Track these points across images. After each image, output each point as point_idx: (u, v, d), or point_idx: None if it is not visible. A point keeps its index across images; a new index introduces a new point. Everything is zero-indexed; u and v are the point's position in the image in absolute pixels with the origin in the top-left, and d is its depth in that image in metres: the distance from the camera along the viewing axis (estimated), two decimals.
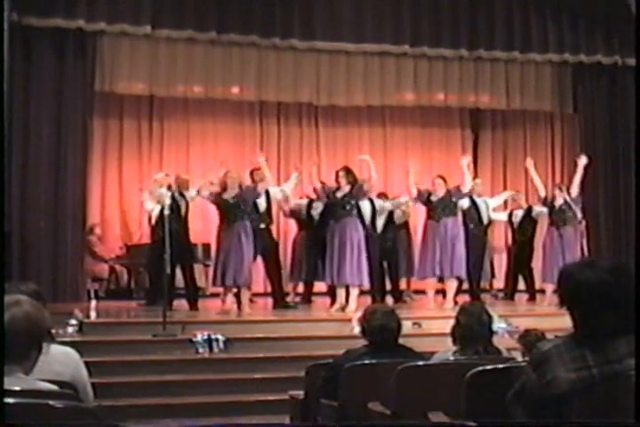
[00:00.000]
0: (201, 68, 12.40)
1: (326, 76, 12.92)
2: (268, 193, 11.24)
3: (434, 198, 11.31)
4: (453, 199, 11.35)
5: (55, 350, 3.86)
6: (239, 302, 10.57)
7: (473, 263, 11.80)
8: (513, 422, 2.87)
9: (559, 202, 11.85)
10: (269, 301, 11.56)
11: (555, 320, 8.10)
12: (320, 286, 11.87)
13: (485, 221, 12.19)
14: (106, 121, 13.98)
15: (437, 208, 11.26)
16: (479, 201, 12.15)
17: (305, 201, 12.07)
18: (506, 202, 13.48)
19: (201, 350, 8.53)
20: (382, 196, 12.45)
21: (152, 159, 14.37)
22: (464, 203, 11.69)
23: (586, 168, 12.12)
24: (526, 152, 15.12)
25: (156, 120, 14.42)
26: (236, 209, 10.52)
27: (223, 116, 14.50)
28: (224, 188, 10.67)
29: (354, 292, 10.66)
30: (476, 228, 11.99)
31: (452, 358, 5.07)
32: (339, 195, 10.81)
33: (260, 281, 12.33)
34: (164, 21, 11.82)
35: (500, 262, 13.82)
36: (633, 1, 12.77)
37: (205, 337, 8.57)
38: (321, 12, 12.38)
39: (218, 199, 10.67)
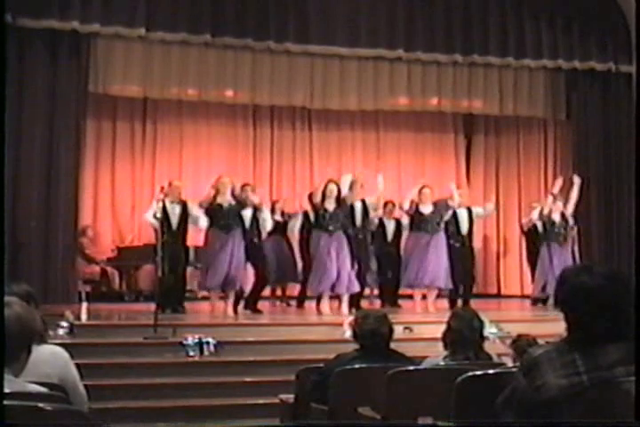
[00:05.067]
0: (195, 71, 12.40)
1: (320, 80, 12.94)
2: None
3: (425, 211, 11.33)
4: (443, 214, 11.43)
5: (43, 350, 3.84)
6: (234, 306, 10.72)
7: (461, 274, 11.79)
8: (500, 422, 2.87)
9: (557, 218, 11.93)
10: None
11: (546, 326, 8.11)
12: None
13: (464, 231, 11.91)
14: (99, 123, 13.97)
15: (429, 222, 11.29)
16: (460, 212, 11.94)
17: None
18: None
19: (192, 353, 8.51)
20: (389, 204, 12.44)
21: (145, 161, 14.35)
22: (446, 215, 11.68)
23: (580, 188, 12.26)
24: (519, 158, 15.18)
25: (150, 122, 14.41)
26: (230, 215, 10.56)
27: (216, 118, 14.49)
28: (216, 193, 10.69)
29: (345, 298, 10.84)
30: (454, 238, 11.87)
31: (442, 363, 5.07)
32: (329, 208, 10.86)
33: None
34: (159, 24, 11.82)
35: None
36: (627, 7, 12.81)
37: (196, 340, 8.55)
38: (315, 16, 12.40)
39: (212, 206, 10.66)
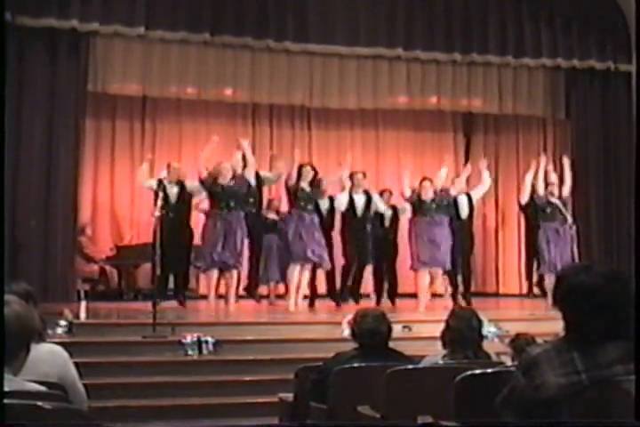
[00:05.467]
0: (194, 70, 12.40)
1: (319, 79, 12.94)
2: (258, 176, 11.38)
3: (425, 198, 11.41)
4: (444, 201, 11.54)
5: (41, 348, 3.84)
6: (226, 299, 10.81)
7: (461, 261, 11.96)
8: (499, 422, 2.87)
9: (554, 199, 11.98)
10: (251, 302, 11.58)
11: (545, 325, 8.12)
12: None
13: (464, 216, 12.13)
14: (98, 121, 13.97)
15: (431, 206, 11.38)
16: (460, 197, 12.16)
17: None
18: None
19: (190, 352, 8.50)
20: (386, 192, 12.53)
21: (144, 160, 14.32)
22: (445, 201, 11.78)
23: (574, 169, 12.31)
24: (518, 157, 15.18)
25: (149, 121, 14.41)
26: (232, 197, 10.64)
27: (216, 117, 14.48)
28: (216, 176, 10.76)
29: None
30: (454, 223, 11.95)
31: (441, 361, 5.07)
32: (305, 188, 10.98)
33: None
34: (158, 22, 11.83)
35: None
36: (626, 7, 12.81)
37: (195, 339, 8.55)
38: (315, 15, 12.41)
39: (212, 186, 10.76)
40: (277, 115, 14.83)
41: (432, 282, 11.57)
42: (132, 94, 13.00)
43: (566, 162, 12.44)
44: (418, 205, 11.49)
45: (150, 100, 13.84)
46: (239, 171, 11.07)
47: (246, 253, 11.39)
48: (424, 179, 11.69)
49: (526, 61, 13.21)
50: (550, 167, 12.33)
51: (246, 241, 11.14)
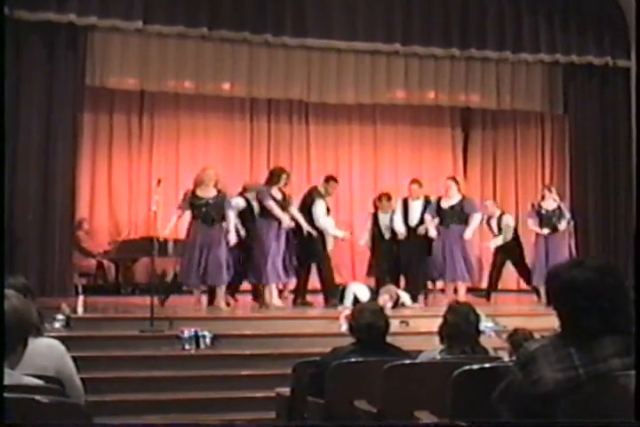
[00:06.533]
0: (192, 64, 12.38)
1: (317, 74, 12.92)
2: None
3: (444, 206, 11.39)
4: (465, 209, 11.45)
5: (39, 342, 3.84)
6: (212, 298, 10.66)
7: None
8: (509, 422, 2.87)
9: (551, 206, 11.96)
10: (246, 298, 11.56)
11: (543, 320, 8.12)
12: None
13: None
14: (96, 116, 13.93)
15: (447, 216, 11.36)
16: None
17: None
18: None
19: (188, 347, 8.52)
20: (385, 196, 12.43)
21: (142, 154, 14.33)
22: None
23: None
24: (516, 152, 15.19)
25: (147, 115, 14.37)
26: (213, 210, 10.44)
27: (214, 112, 14.47)
28: (198, 184, 10.55)
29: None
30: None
31: (438, 356, 5.07)
32: (277, 197, 10.83)
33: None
34: (156, 17, 11.82)
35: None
36: (625, 2, 12.81)
37: (192, 333, 8.56)
38: (313, 10, 12.39)
39: (191, 199, 10.48)
40: (275, 109, 14.80)
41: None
42: (130, 88, 12.97)
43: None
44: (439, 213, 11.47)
45: (148, 94, 13.81)
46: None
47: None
48: (447, 179, 11.74)
49: (524, 57, 13.19)
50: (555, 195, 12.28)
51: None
